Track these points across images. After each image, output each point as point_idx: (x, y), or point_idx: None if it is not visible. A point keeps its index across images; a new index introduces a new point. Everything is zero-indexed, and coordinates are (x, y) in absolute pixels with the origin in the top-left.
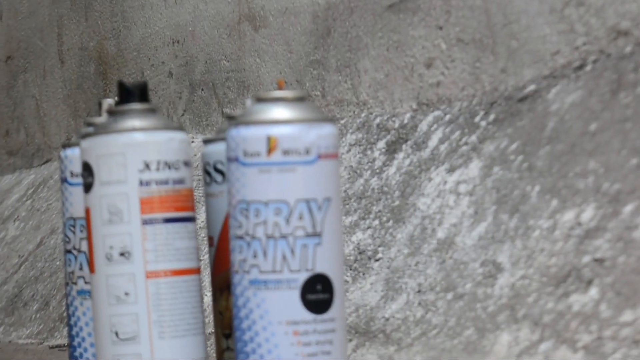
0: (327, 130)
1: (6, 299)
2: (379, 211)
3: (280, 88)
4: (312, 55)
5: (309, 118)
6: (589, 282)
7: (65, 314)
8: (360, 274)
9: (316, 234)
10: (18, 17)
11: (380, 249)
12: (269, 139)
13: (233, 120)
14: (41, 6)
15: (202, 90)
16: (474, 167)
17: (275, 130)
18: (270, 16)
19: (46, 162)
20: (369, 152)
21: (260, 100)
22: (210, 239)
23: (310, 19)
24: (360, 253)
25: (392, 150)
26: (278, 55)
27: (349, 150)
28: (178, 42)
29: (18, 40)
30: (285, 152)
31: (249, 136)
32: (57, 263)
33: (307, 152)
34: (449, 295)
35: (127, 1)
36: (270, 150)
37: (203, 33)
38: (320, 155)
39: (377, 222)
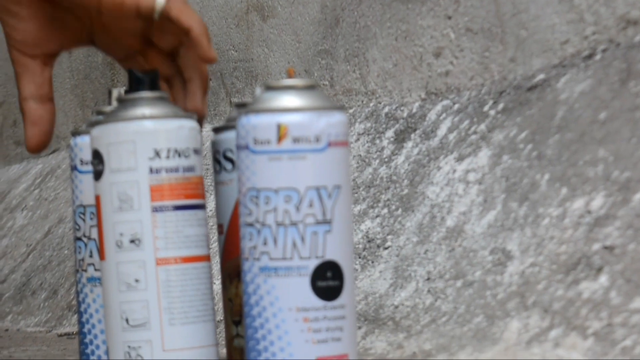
0: (337, 118)
1: (14, 287)
2: (388, 200)
3: (290, 76)
4: (321, 45)
5: (319, 106)
6: (599, 270)
7: (74, 302)
8: (369, 262)
9: (326, 221)
10: None
11: (389, 237)
12: (279, 127)
13: (243, 108)
14: None
15: (210, 79)
16: (483, 156)
17: (286, 118)
18: (279, 6)
19: (54, 151)
20: (377, 141)
21: (270, 88)
22: (220, 226)
23: (319, 9)
24: (369, 241)
25: (400, 139)
26: (286, 45)
27: (358, 139)
28: None
29: None
30: (296, 140)
31: (259, 124)
32: (65, 252)
33: (317, 139)
34: (459, 283)
35: None
36: (280, 138)
37: (211, 23)
38: (331, 143)
39: (385, 210)
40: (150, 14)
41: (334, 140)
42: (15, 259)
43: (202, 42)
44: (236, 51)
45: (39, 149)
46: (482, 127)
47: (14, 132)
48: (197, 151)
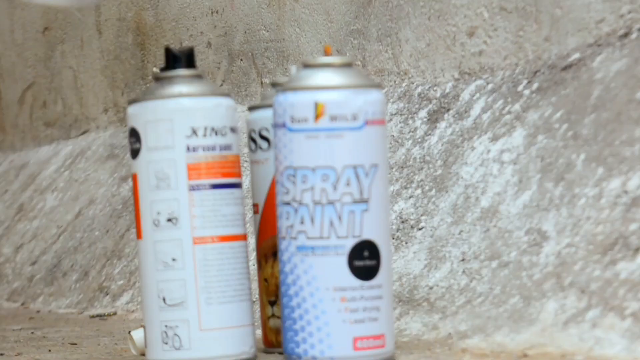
0: (374, 96)
1: (45, 269)
2: (421, 180)
3: (326, 54)
4: (353, 25)
5: (356, 84)
6: (637, 250)
7: (105, 284)
8: (403, 243)
9: (363, 200)
10: None
11: (423, 217)
12: (317, 105)
13: (279, 86)
14: None
15: (241, 60)
16: (518, 136)
17: (323, 96)
18: None
19: (83, 133)
20: (410, 121)
21: (307, 66)
22: (255, 206)
23: None
24: (402, 222)
25: (433, 119)
26: (318, 25)
27: (390, 119)
28: (217, 12)
29: (55, 11)
30: (333, 118)
31: (296, 102)
32: (96, 233)
33: (355, 118)
34: (494, 264)
35: None
36: (317, 116)
37: (242, 3)
38: (368, 122)
39: (419, 191)
40: None
41: (371, 119)
42: (45, 240)
43: None
44: (267, 31)
45: None
46: (517, 107)
47: (43, 113)
48: (233, 129)
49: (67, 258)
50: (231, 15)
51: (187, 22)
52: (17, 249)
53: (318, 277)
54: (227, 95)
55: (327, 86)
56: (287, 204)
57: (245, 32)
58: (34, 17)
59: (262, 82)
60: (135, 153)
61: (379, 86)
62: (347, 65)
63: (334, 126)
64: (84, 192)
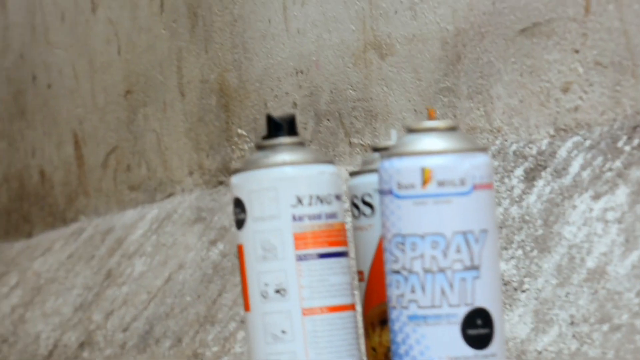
0: (481, 160)
1: (137, 335)
2: (522, 240)
3: (430, 118)
4: (442, 83)
5: (463, 148)
6: None
7: (199, 350)
8: (507, 306)
9: (474, 267)
10: (136, 51)
11: (526, 279)
12: (424, 171)
13: (380, 151)
14: (160, 39)
15: (328, 120)
16: (621, 194)
17: (430, 161)
18: (397, 44)
19: (169, 196)
20: (506, 180)
21: (411, 130)
22: (360, 273)
23: (439, 46)
24: (505, 284)
25: (531, 177)
26: (406, 83)
27: None
28: (302, 72)
29: (137, 74)
30: (440, 183)
31: (403, 168)
32: (187, 299)
33: (462, 182)
34: (605, 327)
35: (248, 32)
36: (425, 181)
37: (327, 62)
38: (476, 186)
39: (520, 252)
40: None
41: (478, 183)
42: (136, 306)
43: None
44: (354, 90)
45: None
46: (618, 163)
47: (127, 177)
48: (338, 197)
49: (159, 324)
50: (316, 75)
51: (272, 83)
52: (108, 316)
53: (431, 347)
54: (330, 162)
55: (433, 151)
56: (397, 272)
57: (331, 91)
58: (115, 81)
59: (350, 142)
60: (240, 224)
61: (485, 149)
62: (452, 128)
63: (441, 192)
64: (172, 256)
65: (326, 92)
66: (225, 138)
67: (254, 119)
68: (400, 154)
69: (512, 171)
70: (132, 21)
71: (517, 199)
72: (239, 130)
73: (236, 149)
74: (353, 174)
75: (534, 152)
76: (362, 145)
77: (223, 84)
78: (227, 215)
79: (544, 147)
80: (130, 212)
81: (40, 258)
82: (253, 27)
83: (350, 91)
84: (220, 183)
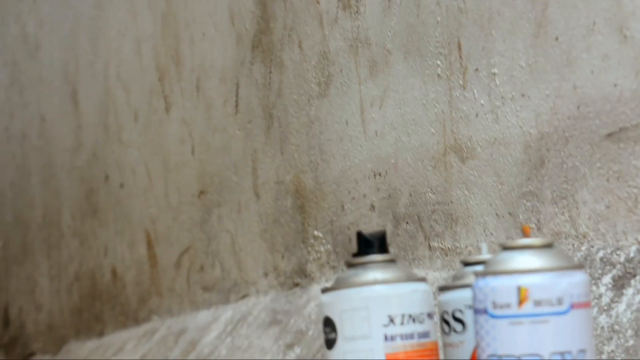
0: (578, 278)
1: None
2: (612, 351)
3: (525, 235)
4: (525, 187)
5: (559, 266)
6: None
7: None
8: None
9: None
10: (211, 151)
11: None
12: (520, 290)
13: (471, 265)
14: (235, 140)
15: (407, 223)
16: None
17: (526, 280)
18: (478, 147)
19: (243, 297)
20: (594, 287)
21: (506, 248)
22: None
23: (522, 149)
24: None
25: (619, 285)
26: (488, 187)
27: None
28: (380, 175)
29: (211, 174)
30: (537, 303)
31: (499, 287)
32: None
33: (560, 302)
34: None
35: (325, 134)
36: (521, 301)
37: (407, 165)
38: (573, 305)
39: None
40: None
41: (576, 302)
42: None
43: None
44: (434, 194)
45: None
46: None
47: (201, 277)
48: (430, 315)
49: None
50: (395, 178)
51: (349, 185)
52: None
53: None
54: (422, 280)
55: (529, 269)
56: None
57: (410, 194)
58: (189, 181)
59: (430, 246)
60: (330, 343)
61: (581, 267)
62: (548, 245)
63: (538, 311)
64: None
65: (405, 194)
66: (301, 240)
67: (330, 221)
68: (496, 273)
69: (599, 279)
70: (207, 121)
71: (605, 308)
72: (315, 232)
73: (312, 251)
74: (443, 288)
75: (622, 259)
76: (442, 249)
77: (299, 185)
78: (304, 319)
79: (632, 254)
80: (204, 313)
81: (112, 358)
82: (330, 129)
83: (430, 194)
84: (296, 285)
